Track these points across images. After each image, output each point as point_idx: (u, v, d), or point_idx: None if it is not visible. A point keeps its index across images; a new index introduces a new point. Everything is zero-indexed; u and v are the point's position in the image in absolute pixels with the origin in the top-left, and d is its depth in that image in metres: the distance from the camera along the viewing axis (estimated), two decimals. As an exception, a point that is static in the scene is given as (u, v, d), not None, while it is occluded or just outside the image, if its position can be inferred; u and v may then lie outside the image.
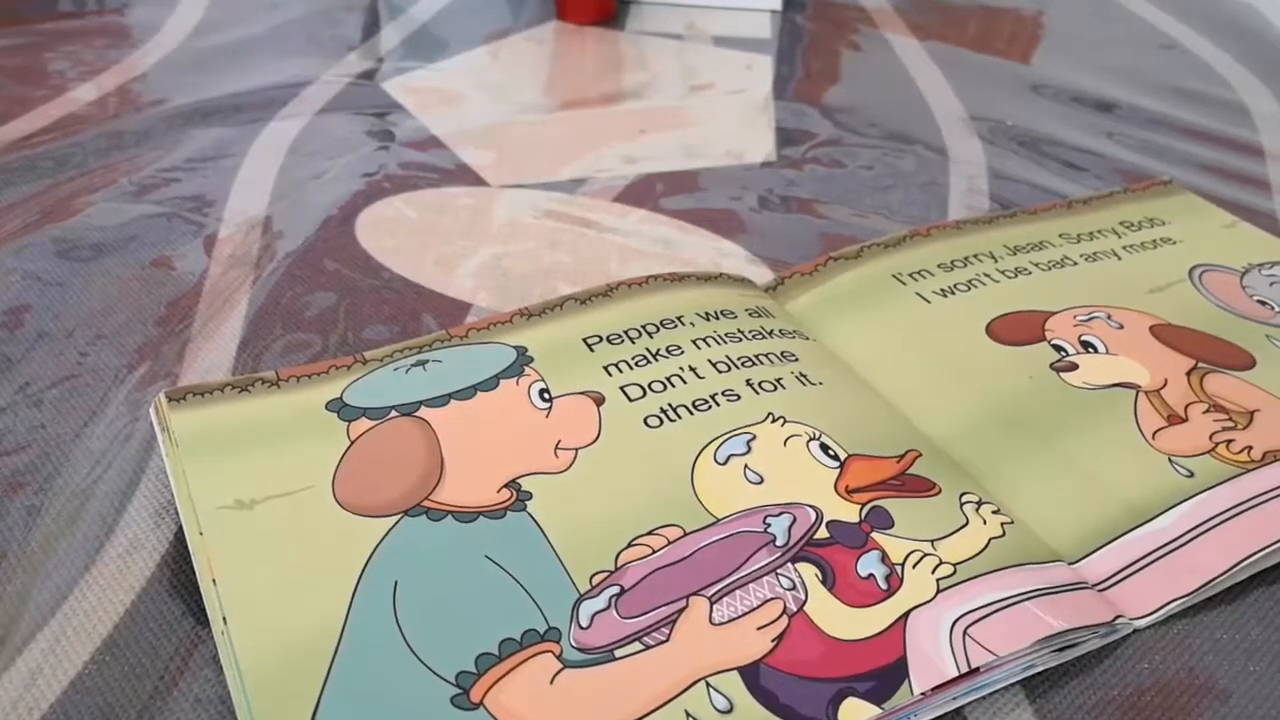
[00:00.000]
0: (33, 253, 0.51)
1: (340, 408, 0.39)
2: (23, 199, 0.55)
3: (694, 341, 0.43)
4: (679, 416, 0.39)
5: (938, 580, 0.33)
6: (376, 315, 0.48)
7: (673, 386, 0.41)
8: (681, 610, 0.32)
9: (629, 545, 0.34)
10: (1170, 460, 0.39)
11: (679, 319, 0.44)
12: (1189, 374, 0.43)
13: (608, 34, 0.84)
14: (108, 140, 0.62)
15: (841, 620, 0.32)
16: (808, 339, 0.45)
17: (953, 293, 0.48)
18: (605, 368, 0.42)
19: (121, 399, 0.42)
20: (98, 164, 0.59)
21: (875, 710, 0.30)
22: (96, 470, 0.39)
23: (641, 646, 0.31)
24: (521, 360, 0.42)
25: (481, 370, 0.41)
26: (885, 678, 0.30)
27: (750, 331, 0.44)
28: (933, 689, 0.30)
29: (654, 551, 0.34)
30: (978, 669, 0.31)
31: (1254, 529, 0.36)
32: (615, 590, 0.33)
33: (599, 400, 0.40)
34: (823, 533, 0.35)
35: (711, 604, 0.32)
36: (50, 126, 0.64)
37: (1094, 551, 0.36)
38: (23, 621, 0.33)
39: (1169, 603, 0.34)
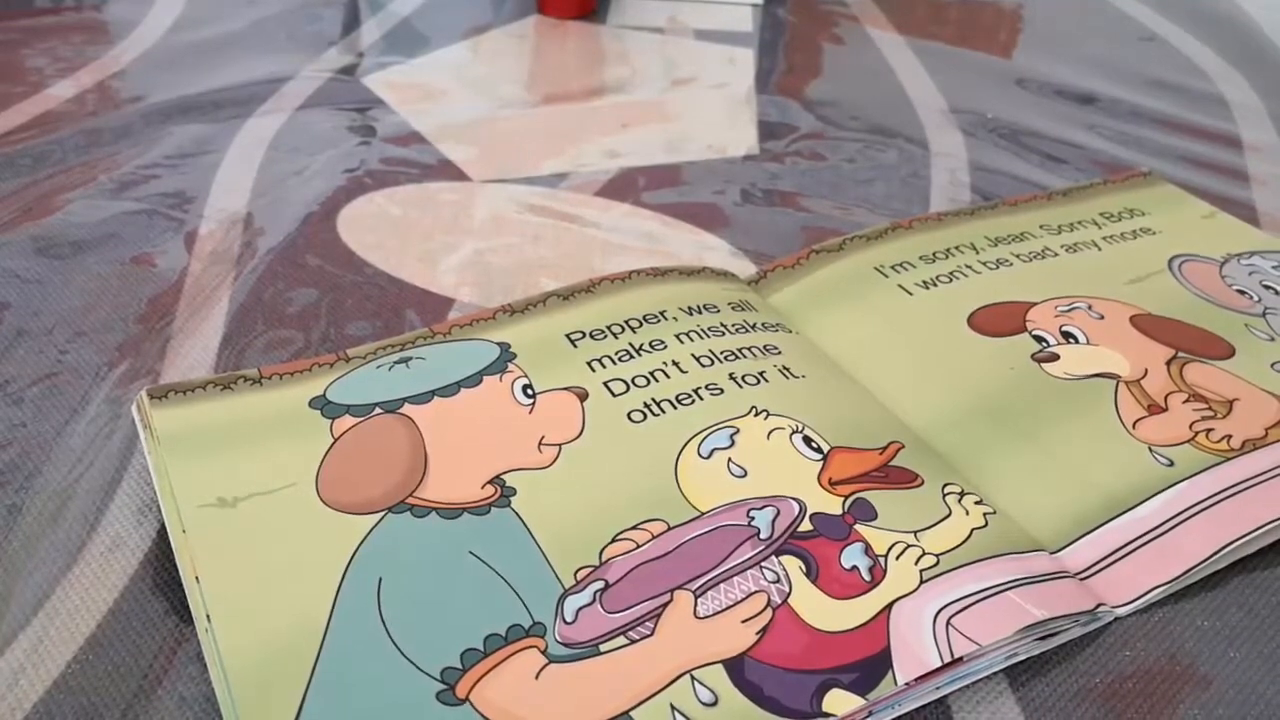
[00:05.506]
0: (11, 250, 0.50)
1: (323, 405, 0.39)
2: (1, 197, 0.55)
3: (677, 336, 0.43)
4: (662, 411, 0.39)
5: (921, 571, 0.33)
6: (359, 311, 0.48)
7: (656, 381, 0.41)
8: (666, 604, 0.32)
9: (613, 540, 0.34)
10: (1150, 449, 0.39)
11: (661, 314, 0.44)
12: (1169, 364, 0.43)
13: (589, 28, 0.84)
14: (86, 137, 0.62)
15: (825, 612, 0.32)
16: (790, 332, 0.45)
17: (934, 284, 0.48)
18: (588, 363, 0.42)
19: (102, 397, 0.42)
20: (77, 161, 0.59)
21: (859, 701, 0.30)
22: (78, 469, 0.38)
23: (626, 641, 0.31)
24: (504, 357, 0.42)
25: (465, 367, 0.41)
26: (869, 668, 0.30)
27: (733, 325, 0.44)
28: (916, 679, 0.30)
29: (638, 546, 0.34)
30: (961, 658, 0.31)
31: (1234, 516, 0.36)
32: (600, 585, 0.33)
33: (582, 396, 0.40)
34: (806, 525, 0.35)
35: (696, 598, 0.32)
36: (28, 124, 0.63)
37: (1075, 540, 0.36)
38: (4, 622, 0.33)
39: (1150, 590, 0.34)
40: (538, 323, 0.44)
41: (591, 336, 0.43)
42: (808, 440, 0.38)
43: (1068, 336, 0.45)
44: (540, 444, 0.38)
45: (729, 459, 0.37)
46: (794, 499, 0.36)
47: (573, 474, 0.37)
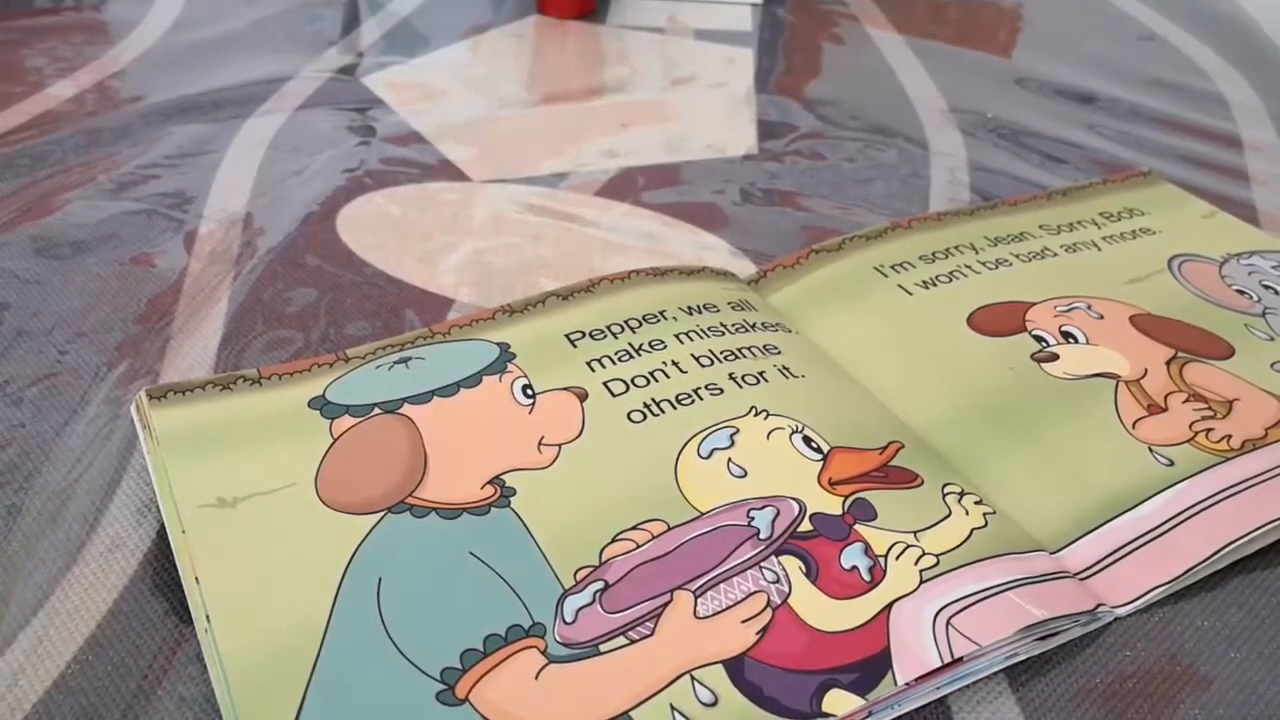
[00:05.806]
0: (11, 251, 0.50)
1: (323, 405, 0.39)
2: (1, 197, 0.55)
3: (676, 336, 0.43)
4: (662, 411, 0.39)
5: (920, 571, 0.33)
6: (358, 311, 0.48)
7: (655, 381, 0.41)
8: (666, 604, 0.32)
9: (613, 540, 0.34)
10: (1150, 449, 0.39)
11: (661, 313, 0.44)
12: (1168, 364, 0.43)
13: (588, 28, 0.84)
14: (86, 137, 0.62)
15: (825, 612, 0.32)
16: (790, 332, 0.45)
17: (934, 284, 0.48)
18: (588, 363, 0.42)
19: (102, 397, 0.42)
20: (76, 161, 0.59)
21: (859, 701, 0.30)
22: (77, 469, 0.38)
23: (626, 641, 0.31)
24: (504, 357, 0.42)
25: (464, 367, 0.41)
26: (869, 669, 0.30)
27: (733, 325, 0.44)
28: (916, 679, 0.30)
29: (638, 546, 0.34)
30: (961, 658, 0.31)
31: (1234, 516, 0.36)
32: (599, 585, 0.33)
33: (582, 396, 0.40)
34: (806, 525, 0.35)
35: (696, 598, 0.32)
36: (28, 124, 0.63)
37: (1075, 540, 0.36)
38: (4, 622, 0.33)
39: (1150, 590, 0.34)
40: (537, 323, 0.44)
41: (591, 336, 0.43)
42: (807, 440, 0.38)
43: (1067, 336, 0.45)
44: (540, 444, 0.38)
45: (729, 459, 0.37)
46: (794, 499, 0.36)
47: (572, 474, 0.37)
